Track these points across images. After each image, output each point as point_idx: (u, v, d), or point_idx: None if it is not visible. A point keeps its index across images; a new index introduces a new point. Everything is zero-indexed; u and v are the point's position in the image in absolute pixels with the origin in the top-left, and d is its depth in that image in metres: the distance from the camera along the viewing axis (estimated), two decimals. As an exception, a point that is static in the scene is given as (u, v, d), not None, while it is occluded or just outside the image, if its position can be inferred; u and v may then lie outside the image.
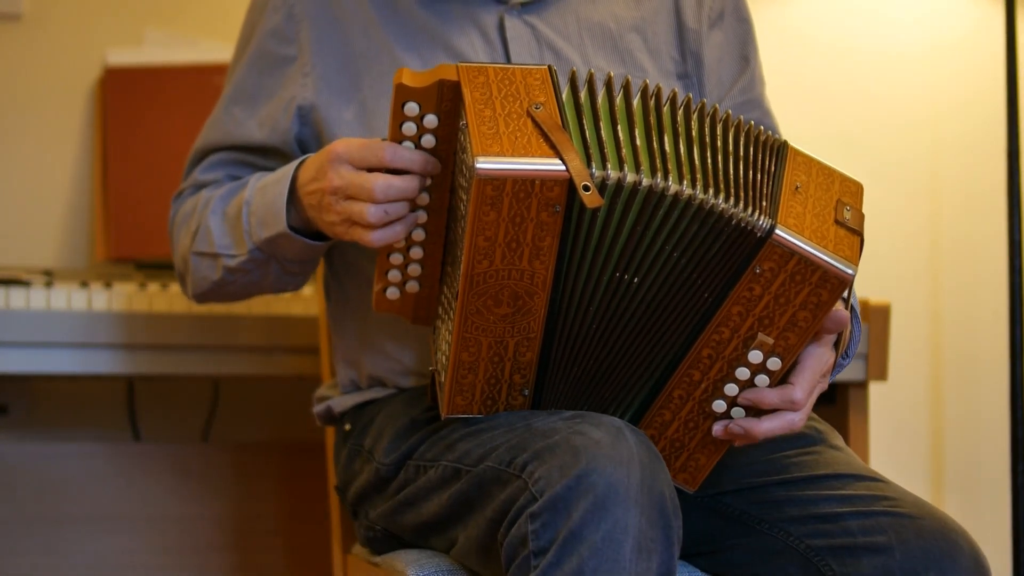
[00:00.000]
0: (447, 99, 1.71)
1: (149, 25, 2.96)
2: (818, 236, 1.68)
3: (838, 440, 1.94)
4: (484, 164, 1.63)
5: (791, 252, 1.68)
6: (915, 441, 3.16)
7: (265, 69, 2.05)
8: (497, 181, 1.63)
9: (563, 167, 1.64)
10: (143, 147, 2.87)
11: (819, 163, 1.76)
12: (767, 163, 1.73)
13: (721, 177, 1.70)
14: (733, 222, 1.68)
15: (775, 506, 1.84)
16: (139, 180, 2.85)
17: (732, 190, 1.70)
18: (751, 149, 1.74)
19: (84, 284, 2.56)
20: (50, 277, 2.66)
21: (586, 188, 1.63)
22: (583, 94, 1.72)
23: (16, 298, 2.49)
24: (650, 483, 1.64)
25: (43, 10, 2.95)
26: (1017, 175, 2.88)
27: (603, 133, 1.69)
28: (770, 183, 1.71)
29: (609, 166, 1.67)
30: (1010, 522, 2.96)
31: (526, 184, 1.63)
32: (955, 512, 2.12)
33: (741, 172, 1.71)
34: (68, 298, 2.50)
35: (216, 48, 2.93)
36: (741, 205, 1.69)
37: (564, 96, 1.71)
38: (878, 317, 2.47)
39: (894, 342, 2.63)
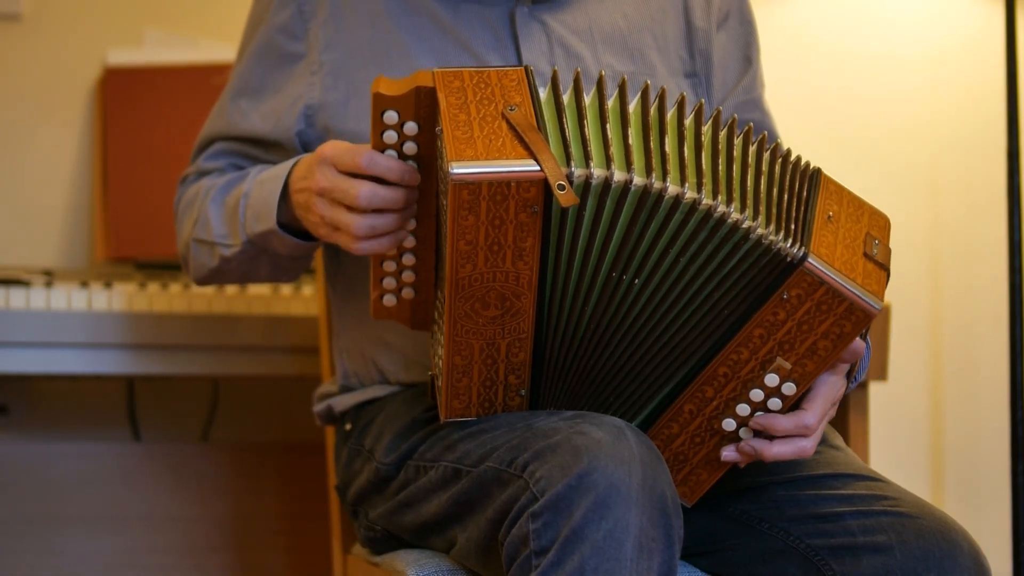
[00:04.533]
0: (425, 105, 1.71)
1: (149, 25, 2.96)
2: (848, 268, 1.68)
3: (838, 440, 1.94)
4: (458, 169, 1.63)
5: (820, 281, 1.67)
6: (915, 441, 3.16)
7: (272, 63, 2.05)
8: (472, 185, 1.63)
9: (538, 168, 1.63)
10: (143, 147, 2.87)
11: (850, 193, 1.75)
12: (798, 187, 1.72)
13: (736, 187, 1.69)
14: (761, 242, 1.67)
15: (775, 506, 1.84)
16: (139, 180, 2.85)
17: (754, 205, 1.68)
18: (778, 168, 1.73)
19: (84, 284, 2.56)
20: (50, 277, 2.66)
21: (561, 187, 1.63)
22: (567, 95, 1.71)
23: (16, 298, 2.49)
24: (651, 483, 1.64)
25: (43, 10, 2.95)
26: (1017, 176, 2.88)
27: (588, 132, 1.68)
28: (802, 209, 1.70)
29: (593, 164, 1.66)
30: (1010, 522, 2.96)
31: (502, 187, 1.63)
32: (955, 512, 2.12)
33: (765, 189, 1.70)
34: (68, 298, 2.50)
35: (216, 48, 2.93)
36: (765, 222, 1.67)
37: (543, 96, 1.71)
38: (878, 317, 2.47)
39: (894, 342, 2.64)
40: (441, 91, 1.68)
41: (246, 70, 2.07)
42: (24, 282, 2.55)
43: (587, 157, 1.66)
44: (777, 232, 1.68)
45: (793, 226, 1.68)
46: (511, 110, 1.67)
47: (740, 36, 2.10)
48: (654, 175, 1.67)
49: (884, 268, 1.71)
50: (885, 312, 2.48)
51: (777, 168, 1.73)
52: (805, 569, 1.80)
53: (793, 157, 1.75)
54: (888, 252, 1.72)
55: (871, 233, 1.72)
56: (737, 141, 1.73)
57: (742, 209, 1.68)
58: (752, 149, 1.73)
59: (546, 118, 1.68)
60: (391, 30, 2.00)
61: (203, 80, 2.89)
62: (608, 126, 1.69)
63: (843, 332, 1.69)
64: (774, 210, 1.69)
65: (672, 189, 1.67)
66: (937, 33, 3.14)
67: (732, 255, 1.69)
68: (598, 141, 1.68)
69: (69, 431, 2.94)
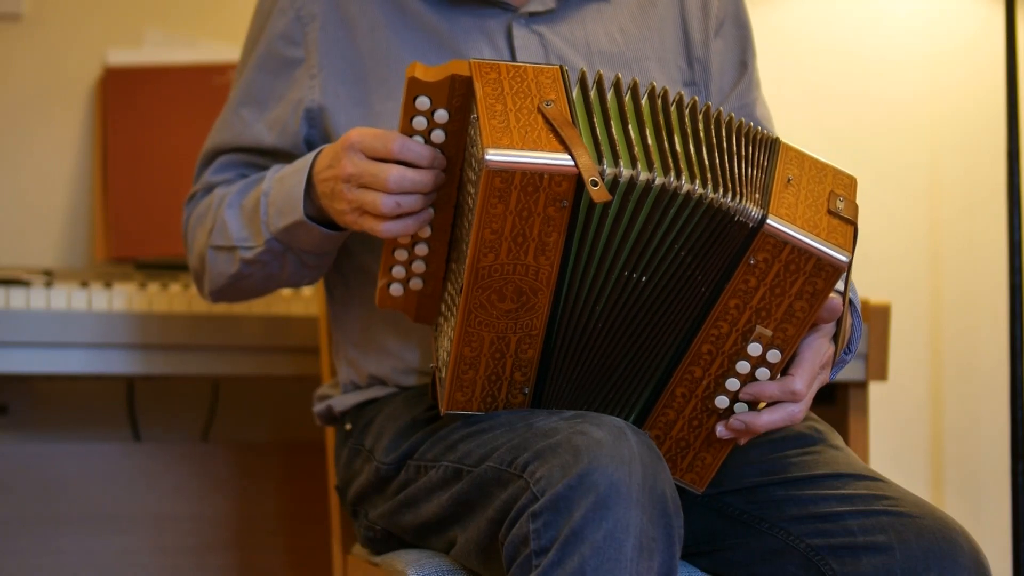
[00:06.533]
0: (459, 94, 1.72)
1: (149, 25, 2.96)
2: (810, 225, 1.69)
3: (838, 440, 1.94)
4: (494, 156, 1.64)
5: (784, 241, 1.68)
6: (915, 441, 3.16)
7: (273, 71, 2.05)
8: (506, 173, 1.64)
9: (572, 162, 1.64)
10: (143, 147, 2.87)
11: (812, 158, 1.77)
12: (760, 158, 1.74)
13: (728, 176, 1.71)
14: (730, 215, 1.69)
15: (775, 506, 1.84)
16: (139, 180, 2.85)
17: (734, 186, 1.70)
18: (748, 147, 1.75)
19: (84, 284, 2.56)
20: (50, 277, 2.67)
21: (594, 183, 1.64)
22: (592, 94, 1.73)
23: (16, 298, 2.49)
24: (652, 482, 1.65)
25: (43, 10, 2.95)
26: (1017, 176, 2.88)
27: (614, 131, 1.70)
28: (762, 176, 1.72)
29: (622, 163, 1.68)
30: (1010, 522, 2.96)
31: (534, 178, 1.64)
32: (955, 512, 2.12)
33: (741, 169, 1.72)
34: (68, 298, 2.50)
35: (216, 48, 2.93)
36: (736, 199, 1.69)
37: (575, 95, 1.72)
38: (878, 317, 2.47)
39: (894, 342, 2.64)
40: (478, 80, 1.69)
41: (248, 80, 2.07)
42: (24, 282, 2.55)
43: (616, 156, 1.68)
44: (744, 203, 1.69)
45: (758, 195, 1.70)
46: (547, 105, 1.68)
47: (736, 41, 2.11)
48: (671, 174, 1.68)
49: (850, 223, 1.71)
50: (885, 312, 2.48)
51: (748, 147, 1.75)
52: (805, 569, 1.80)
53: (752, 130, 1.77)
54: (855, 208, 1.73)
55: (835, 191, 1.73)
56: (723, 132, 1.75)
57: (733, 196, 1.70)
58: (734, 136, 1.75)
59: (578, 116, 1.69)
60: (389, 41, 2.00)
61: (203, 80, 2.89)
62: (629, 126, 1.71)
63: (816, 290, 1.70)
64: (746, 187, 1.71)
65: (686, 187, 1.68)
66: (937, 33, 3.14)
67: (717, 236, 1.70)
68: (623, 141, 1.70)
69: (69, 431, 2.94)
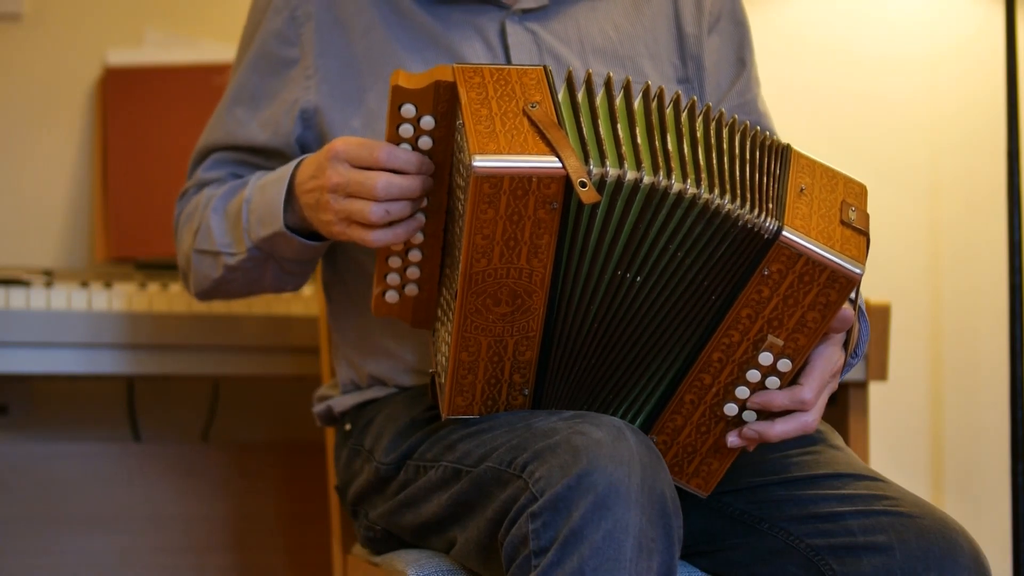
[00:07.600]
0: (443, 100, 1.72)
1: (149, 25, 2.96)
2: (825, 237, 1.69)
3: (838, 440, 1.94)
4: (481, 162, 1.63)
5: (799, 253, 1.68)
6: (915, 441, 3.16)
7: (267, 70, 2.05)
8: (494, 179, 1.63)
9: (559, 164, 1.64)
10: (143, 147, 2.87)
11: (823, 165, 1.76)
12: (772, 166, 1.74)
13: (728, 178, 1.71)
14: (740, 224, 1.69)
15: (775, 506, 1.84)
16: (139, 180, 2.85)
17: (738, 191, 1.70)
18: (756, 152, 1.74)
19: (84, 284, 2.56)
20: (50, 277, 2.67)
21: (583, 184, 1.63)
22: (580, 94, 1.72)
23: (16, 298, 2.49)
24: (651, 483, 1.65)
25: (43, 10, 2.95)
26: (1017, 176, 2.88)
27: (601, 131, 1.70)
28: (775, 185, 1.72)
29: (608, 163, 1.67)
30: (1010, 522, 2.96)
31: (523, 181, 1.64)
32: (955, 512, 2.12)
33: (747, 174, 1.72)
34: (68, 298, 2.50)
35: (216, 48, 2.93)
36: (747, 207, 1.69)
37: (560, 96, 1.71)
38: (878, 317, 2.48)
39: (894, 342, 2.64)
40: (462, 86, 1.69)
41: (242, 79, 2.07)
42: (24, 282, 2.55)
43: (603, 156, 1.67)
44: (752, 210, 1.69)
45: (771, 204, 1.70)
46: (532, 107, 1.68)
47: (732, 38, 2.10)
48: (661, 173, 1.68)
49: (863, 233, 1.72)
50: (885, 312, 2.48)
51: (756, 152, 1.75)
52: (805, 569, 1.80)
53: (760, 135, 1.76)
54: (866, 217, 1.73)
55: (847, 201, 1.73)
56: (724, 133, 1.74)
57: (733, 199, 1.70)
58: (736, 139, 1.75)
59: (564, 117, 1.69)
60: (384, 40, 2.00)
61: (203, 80, 2.89)
62: (618, 126, 1.70)
63: (829, 301, 1.70)
64: (756, 195, 1.71)
65: (676, 186, 1.68)
66: (937, 33, 3.14)
67: (722, 244, 1.70)
68: (610, 140, 1.70)
69: (69, 431, 2.93)
